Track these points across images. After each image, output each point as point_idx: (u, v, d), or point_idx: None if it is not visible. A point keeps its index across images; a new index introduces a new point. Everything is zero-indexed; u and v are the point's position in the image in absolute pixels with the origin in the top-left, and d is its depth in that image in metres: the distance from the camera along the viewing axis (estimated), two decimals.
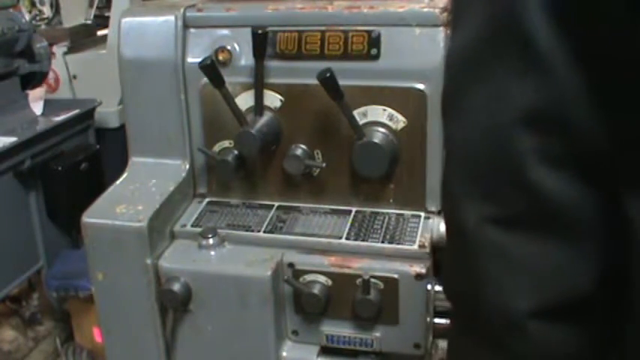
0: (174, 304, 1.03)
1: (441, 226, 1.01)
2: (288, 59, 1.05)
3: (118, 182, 1.13)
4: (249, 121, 1.04)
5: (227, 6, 1.10)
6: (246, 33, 1.01)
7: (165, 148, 1.13)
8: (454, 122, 0.56)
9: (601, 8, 0.45)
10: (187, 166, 1.13)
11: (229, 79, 1.04)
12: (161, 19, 1.10)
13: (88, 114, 2.24)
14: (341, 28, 1.02)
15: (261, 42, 1.01)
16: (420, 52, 1.00)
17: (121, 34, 1.11)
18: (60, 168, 2.01)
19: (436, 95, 0.99)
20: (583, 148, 0.48)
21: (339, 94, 0.97)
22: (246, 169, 1.10)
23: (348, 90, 0.98)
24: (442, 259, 1.01)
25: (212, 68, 1.00)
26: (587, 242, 0.50)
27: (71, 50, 2.49)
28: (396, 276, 0.98)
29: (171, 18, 1.09)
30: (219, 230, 1.06)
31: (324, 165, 1.05)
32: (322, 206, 1.09)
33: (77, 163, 2.07)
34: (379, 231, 1.02)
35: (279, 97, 1.06)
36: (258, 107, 1.05)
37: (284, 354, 1.06)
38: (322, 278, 1.01)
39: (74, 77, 2.48)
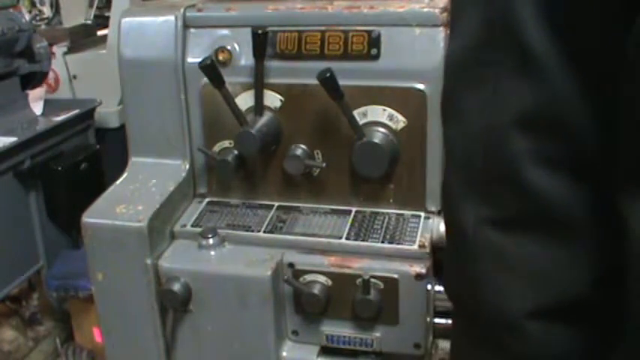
0: (174, 304, 1.03)
1: (441, 226, 1.01)
2: (288, 59, 1.05)
3: (118, 182, 1.13)
4: (249, 121, 1.04)
5: (227, 6, 1.10)
6: (246, 33, 1.01)
7: (165, 148, 1.13)
8: (452, 124, 0.57)
9: (594, 11, 0.45)
10: (187, 166, 1.13)
11: (229, 79, 1.04)
12: (161, 19, 1.10)
13: (88, 114, 2.24)
14: (341, 28, 1.02)
15: (261, 42, 1.01)
16: (420, 52, 1.00)
17: (121, 34, 1.11)
18: (60, 168, 2.01)
19: (436, 95, 0.99)
20: (578, 149, 0.49)
21: (339, 94, 0.97)
22: (246, 169, 1.10)
23: (348, 90, 0.98)
24: (442, 259, 1.01)
25: (212, 68, 1.00)
26: (584, 242, 0.50)
27: (71, 50, 2.49)
28: (396, 276, 0.98)
29: (171, 18, 1.09)
30: (219, 230, 1.06)
31: (324, 165, 1.05)
32: (322, 206, 1.09)
33: (77, 163, 2.07)
34: (379, 231, 1.02)
35: (279, 97, 1.06)
36: (258, 107, 1.05)
37: (284, 354, 1.06)
38: (322, 278, 1.01)
39: (74, 77, 2.48)
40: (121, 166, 1.16)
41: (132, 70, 1.11)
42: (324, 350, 1.07)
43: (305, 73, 1.01)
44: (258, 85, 1.04)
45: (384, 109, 1.02)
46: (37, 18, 3.03)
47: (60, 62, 2.44)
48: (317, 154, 1.07)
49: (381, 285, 0.98)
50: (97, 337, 2.09)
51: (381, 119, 1.02)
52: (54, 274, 2.07)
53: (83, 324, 2.17)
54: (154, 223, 1.03)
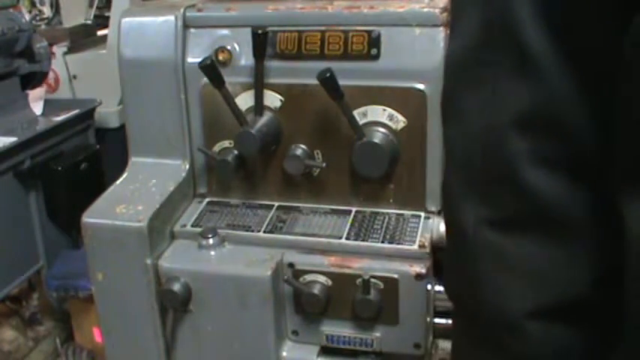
0: (174, 304, 1.03)
1: (441, 226, 1.01)
2: (288, 59, 1.05)
3: (118, 182, 1.13)
4: (249, 121, 1.04)
5: (227, 6, 1.10)
6: (246, 33, 1.01)
7: (165, 148, 1.13)
8: (452, 124, 0.57)
9: (591, 10, 0.45)
10: (187, 166, 1.13)
11: (229, 79, 1.04)
12: (161, 19, 1.10)
13: (88, 114, 2.24)
14: (341, 28, 1.02)
15: (261, 42, 1.01)
16: (420, 52, 1.00)
17: (121, 34, 1.11)
18: (60, 168, 2.01)
19: (436, 95, 0.99)
20: (576, 150, 0.49)
21: (339, 94, 0.97)
22: (246, 169, 1.10)
23: (348, 90, 0.98)
24: (442, 259, 1.01)
25: (212, 68, 1.00)
26: (583, 242, 0.50)
27: (71, 50, 2.49)
28: (396, 276, 0.98)
29: (171, 18, 1.09)
30: (219, 230, 1.06)
31: (324, 165, 1.05)
32: (322, 206, 1.09)
33: (77, 163, 2.07)
34: (379, 231, 1.02)
35: (279, 97, 1.06)
36: (258, 107, 1.05)
37: (284, 354, 1.06)
38: (322, 278, 1.01)
39: (74, 77, 2.48)
40: (121, 166, 1.16)
41: (132, 70, 1.11)
42: (324, 350, 1.07)
43: (305, 73, 1.01)
44: (258, 85, 1.04)
45: (384, 109, 1.02)
46: (37, 18, 3.03)
47: (60, 62, 2.44)
48: (317, 154, 1.07)
49: (381, 285, 0.98)
50: (97, 337, 2.09)
51: (381, 119, 1.02)
52: (54, 274, 2.07)
53: (83, 324, 2.17)
54: (154, 223, 1.03)
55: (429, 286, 0.98)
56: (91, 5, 2.73)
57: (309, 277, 1.01)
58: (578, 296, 0.51)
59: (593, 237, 0.50)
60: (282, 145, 1.08)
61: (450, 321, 1.02)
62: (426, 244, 0.99)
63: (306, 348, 1.07)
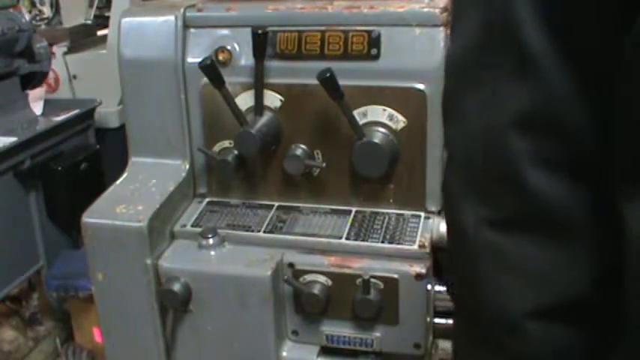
0: (174, 304, 1.03)
1: (441, 226, 1.01)
2: (288, 59, 1.05)
3: (118, 182, 1.13)
4: (249, 121, 1.04)
5: (227, 6, 1.10)
6: (246, 33, 1.01)
7: (165, 148, 1.13)
8: (452, 125, 0.57)
9: (591, 11, 0.45)
10: (187, 166, 1.13)
11: (229, 79, 1.04)
12: (161, 19, 1.10)
13: (88, 114, 2.24)
14: (341, 28, 1.02)
15: (261, 42, 1.01)
16: (420, 52, 1.00)
17: (121, 34, 1.11)
18: (60, 168, 2.01)
19: (436, 95, 0.99)
20: (576, 150, 0.49)
21: (339, 94, 0.97)
22: (246, 169, 1.10)
23: (348, 90, 0.98)
24: (442, 259, 1.01)
25: (212, 68, 1.00)
26: (583, 243, 0.50)
27: (71, 50, 2.49)
28: (396, 276, 0.98)
29: (171, 18, 1.09)
30: (219, 230, 1.06)
31: (324, 165, 1.05)
32: (322, 206, 1.09)
33: (77, 163, 2.07)
34: (379, 231, 1.02)
35: (279, 97, 1.06)
36: (258, 107, 1.05)
37: (284, 354, 1.06)
38: (322, 278, 1.01)
39: (74, 77, 2.48)
40: (121, 166, 1.16)
41: (132, 70, 1.11)
42: (324, 350, 1.07)
43: (305, 73, 1.01)
44: (258, 85, 1.04)
45: (384, 109, 1.02)
46: (37, 18, 3.03)
47: (60, 62, 2.44)
48: (317, 154, 1.07)
49: (381, 285, 0.98)
50: (97, 337, 2.09)
51: (381, 119, 1.02)
52: (54, 274, 2.07)
53: (83, 324, 2.17)
54: (154, 223, 1.03)
55: (429, 286, 0.98)
56: (91, 5, 2.73)
57: (309, 277, 1.01)
58: (577, 296, 0.51)
59: (593, 237, 0.50)
60: (282, 145, 1.08)
61: (450, 321, 1.02)
62: (426, 244, 0.99)
63: (306, 348, 1.07)
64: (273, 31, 1.04)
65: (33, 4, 3.11)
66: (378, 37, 1.01)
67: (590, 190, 0.49)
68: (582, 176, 0.49)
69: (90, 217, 1.06)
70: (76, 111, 2.17)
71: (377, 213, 1.07)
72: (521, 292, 0.52)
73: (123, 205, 1.06)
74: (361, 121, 1.01)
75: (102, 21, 2.73)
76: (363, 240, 1.01)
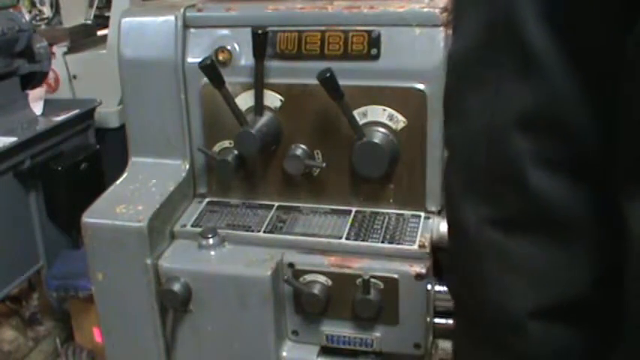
0: (174, 304, 1.03)
1: (441, 226, 1.01)
2: (288, 59, 1.05)
3: (118, 182, 1.13)
4: (249, 121, 1.04)
5: (227, 6, 1.10)
6: (246, 33, 1.01)
7: (165, 148, 1.13)
8: (454, 124, 0.57)
9: (595, 10, 0.45)
10: (187, 166, 1.13)
11: (229, 79, 1.04)
12: (161, 19, 1.10)
13: (88, 114, 2.25)
14: (341, 28, 1.02)
15: (261, 42, 1.01)
16: (420, 52, 0.99)
17: (121, 34, 1.11)
18: (60, 168, 2.01)
19: (436, 95, 0.99)
20: (578, 150, 0.49)
21: (339, 94, 0.97)
22: (246, 169, 1.10)
23: (348, 90, 0.98)
24: (443, 259, 1.01)
25: (212, 68, 1.00)
26: (584, 243, 0.50)
27: (71, 50, 2.49)
28: (396, 276, 0.98)
29: (171, 18, 1.09)
30: (219, 230, 1.06)
31: (324, 165, 1.05)
32: (322, 206, 1.09)
33: (77, 163, 2.07)
34: (379, 231, 1.02)
35: (279, 97, 1.06)
36: (258, 107, 1.05)
37: (284, 354, 1.06)
38: (322, 278, 1.01)
39: (74, 77, 2.48)
40: (121, 166, 1.16)
41: (132, 70, 1.11)
42: (324, 350, 1.07)
43: (305, 73, 1.01)
44: (258, 85, 1.04)
45: (384, 109, 1.02)
46: (37, 18, 3.03)
47: (60, 62, 2.44)
48: (317, 154, 1.07)
49: (381, 285, 0.98)
50: (97, 337, 2.09)
51: (381, 119, 1.02)
52: (54, 274, 2.07)
53: (83, 324, 2.17)
54: (154, 223, 1.03)
55: (429, 286, 0.98)
56: (91, 5, 2.73)
57: (309, 277, 1.01)
58: (578, 296, 0.51)
59: (594, 238, 0.50)
60: (282, 145, 1.08)
61: (450, 321, 1.02)
62: (426, 244, 0.99)
63: (306, 348, 1.07)
64: (273, 31, 1.04)
65: (33, 4, 3.11)
66: (378, 37, 1.01)
67: (591, 190, 0.49)
68: (584, 176, 0.49)
69: (90, 217, 1.06)
70: (76, 111, 2.18)
71: (377, 213, 1.07)
72: (523, 292, 0.52)
73: (123, 205, 1.06)
74: (361, 121, 1.01)
75: (102, 21, 2.73)
76: (363, 240, 1.01)
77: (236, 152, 1.07)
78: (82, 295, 2.02)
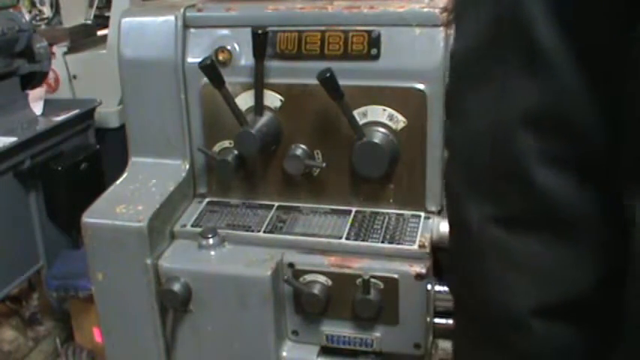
0: (174, 304, 1.03)
1: (440, 226, 1.01)
2: (288, 59, 1.05)
3: (118, 182, 1.13)
4: (249, 121, 1.04)
5: (227, 6, 1.10)
6: (246, 33, 1.01)
7: (165, 148, 1.13)
8: (457, 122, 0.56)
9: (603, 8, 0.45)
10: (187, 166, 1.13)
11: (229, 79, 1.04)
12: (161, 19, 1.10)
13: (88, 114, 2.25)
14: (341, 28, 1.02)
15: (261, 42, 1.01)
16: (420, 52, 0.99)
17: (121, 34, 1.11)
18: (60, 168, 2.01)
19: (436, 95, 0.99)
20: (585, 149, 0.48)
21: (339, 94, 0.97)
22: (246, 169, 1.10)
23: (348, 90, 0.98)
24: (443, 259, 1.01)
25: (212, 68, 1.00)
26: (589, 243, 0.50)
27: (71, 50, 2.49)
28: (396, 276, 0.98)
29: (171, 18, 1.09)
30: (219, 230, 1.06)
31: (324, 165, 1.05)
32: (322, 206, 1.09)
33: (77, 163, 2.07)
34: (379, 231, 1.02)
35: (279, 97, 1.06)
36: (258, 107, 1.05)
37: (284, 354, 1.06)
38: (322, 278, 1.01)
39: (74, 77, 2.48)
40: (121, 166, 1.16)
41: (132, 70, 1.11)
42: (324, 350, 1.07)
43: (305, 73, 1.01)
44: (258, 85, 1.04)
45: (384, 109, 1.02)
46: (37, 18, 3.03)
47: (60, 62, 2.44)
48: (317, 154, 1.07)
49: (381, 285, 0.98)
50: (97, 337, 2.09)
51: (381, 119, 1.02)
52: (54, 274, 2.07)
53: (83, 324, 2.17)
54: (154, 223, 1.03)
55: (429, 286, 0.98)
56: (91, 5, 2.73)
57: (309, 277, 1.01)
58: (581, 295, 0.51)
59: (599, 237, 0.50)
60: (282, 145, 1.08)
61: (450, 321, 1.02)
62: (426, 244, 0.99)
63: (306, 348, 1.07)
64: (273, 31, 1.04)
65: (33, 4, 3.11)
66: (378, 37, 1.01)
67: (597, 189, 0.49)
68: (590, 175, 0.49)
69: (90, 217, 1.06)
70: (76, 111, 2.18)
71: (377, 213, 1.07)
72: (526, 290, 0.51)
73: (123, 205, 1.06)
74: (361, 121, 1.01)
75: (102, 21, 2.73)
76: (363, 240, 1.01)
77: (236, 152, 1.07)
78: (82, 295, 2.02)
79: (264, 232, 1.06)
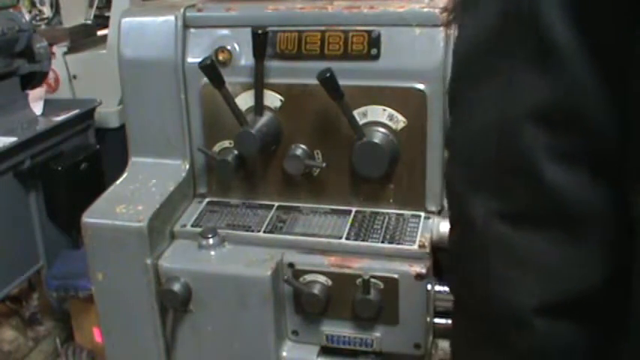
0: (174, 304, 1.03)
1: (440, 226, 1.01)
2: (288, 59, 1.05)
3: (118, 182, 1.13)
4: (249, 121, 1.04)
5: (227, 6, 1.10)
6: (246, 33, 1.01)
7: (165, 148, 1.13)
8: (462, 116, 0.55)
9: (618, 5, 0.44)
10: (187, 166, 1.13)
11: (229, 79, 1.04)
12: (161, 19, 1.10)
13: (88, 114, 2.25)
14: (341, 28, 1.02)
15: (261, 42, 1.01)
16: (420, 52, 0.99)
17: (121, 34, 1.11)
18: (60, 168, 2.01)
19: (436, 95, 0.99)
20: (597, 145, 0.48)
21: (339, 94, 0.97)
22: (246, 169, 1.10)
23: (348, 90, 0.98)
24: (443, 259, 1.01)
25: (212, 68, 1.00)
26: (596, 240, 0.49)
27: (71, 50, 2.49)
28: (396, 276, 0.98)
29: (171, 18, 1.09)
30: (219, 230, 1.06)
31: (324, 165, 1.05)
32: (322, 206, 1.09)
33: (77, 163, 2.07)
34: (379, 231, 1.02)
35: (279, 97, 1.06)
36: (258, 107, 1.05)
37: (284, 354, 1.06)
38: (322, 278, 1.01)
39: (74, 77, 2.48)
40: (121, 166, 1.16)
41: (132, 70, 1.11)
42: (324, 350, 1.07)
43: (305, 73, 1.01)
44: (258, 85, 1.04)
45: (384, 109, 1.02)
46: (37, 18, 3.03)
47: (60, 62, 2.44)
48: (317, 154, 1.07)
49: (381, 285, 0.98)
50: (97, 337, 2.09)
51: (381, 119, 1.02)
52: (54, 274, 2.07)
53: (83, 324, 2.17)
54: (154, 223, 1.03)
55: (429, 286, 0.98)
56: (91, 5, 2.73)
57: (309, 277, 1.01)
58: (584, 294, 0.50)
59: (608, 236, 0.49)
60: (282, 145, 1.08)
61: (450, 321, 1.02)
62: (426, 244, 0.99)
63: (306, 348, 1.07)
64: (273, 31, 1.04)
65: (33, 4, 3.11)
66: (378, 37, 1.01)
67: (608, 186, 0.48)
68: (602, 172, 0.48)
69: (90, 217, 1.06)
70: (76, 111, 2.18)
71: (377, 213, 1.07)
72: (529, 287, 0.51)
73: (123, 205, 1.06)
74: (361, 121, 1.01)
75: (102, 21, 2.73)
76: (363, 240, 1.01)
77: (236, 152, 1.07)
78: (82, 295, 2.02)
79: (264, 232, 1.06)
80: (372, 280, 0.98)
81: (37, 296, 2.26)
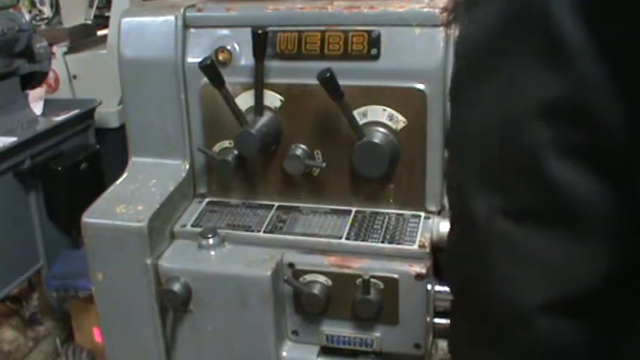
0: (174, 304, 1.03)
1: (440, 226, 1.01)
2: (288, 59, 1.05)
3: (118, 182, 1.13)
4: (249, 121, 1.04)
5: (227, 6, 1.10)
6: (246, 33, 1.01)
7: (165, 148, 1.13)
8: (462, 114, 0.55)
9: (625, 2, 0.44)
10: (187, 166, 1.13)
11: (229, 79, 1.04)
12: (161, 19, 1.10)
13: (88, 114, 2.25)
14: (341, 28, 1.02)
15: (261, 42, 1.01)
16: (420, 52, 0.99)
17: (121, 34, 1.11)
18: (60, 168, 2.01)
19: (436, 95, 0.99)
20: (605, 142, 0.47)
21: (339, 94, 0.97)
22: (246, 169, 1.10)
23: (348, 90, 0.98)
24: (443, 259, 1.01)
25: (212, 68, 1.00)
26: (600, 238, 0.49)
27: (71, 50, 2.49)
28: (396, 276, 0.98)
29: (171, 18, 1.09)
30: (219, 230, 1.06)
31: (324, 165, 1.05)
32: (322, 206, 1.09)
33: (77, 163, 2.07)
34: (379, 231, 1.02)
35: (279, 97, 1.06)
36: (258, 107, 1.05)
37: (284, 354, 1.06)
38: (322, 278, 1.01)
39: (74, 77, 2.48)
40: (121, 166, 1.16)
41: (132, 70, 1.11)
42: (324, 350, 1.07)
43: (305, 73, 1.01)
44: (258, 85, 1.04)
45: (384, 109, 1.02)
46: (37, 18, 3.03)
47: (60, 62, 2.44)
48: (317, 154, 1.07)
49: (381, 285, 0.98)
50: (97, 337, 2.09)
51: (381, 119, 1.02)
52: (54, 274, 2.07)
53: (83, 324, 2.17)
54: (154, 223, 1.03)
55: (429, 286, 0.98)
56: (91, 5, 2.73)
57: (309, 277, 1.01)
58: (587, 292, 0.50)
59: (615, 234, 0.49)
60: (282, 145, 1.08)
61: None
62: (426, 244, 0.99)
63: (306, 348, 1.07)
64: (273, 31, 1.04)
65: (33, 4, 3.11)
66: (378, 37, 1.01)
67: (614, 185, 0.48)
68: (607, 170, 0.47)
69: (90, 217, 1.06)
70: (76, 111, 2.18)
71: (377, 213, 1.07)
72: (532, 285, 0.50)
73: (123, 205, 1.06)
74: (361, 121, 1.01)
75: (102, 21, 2.73)
76: (363, 240, 1.01)
77: (236, 152, 1.07)
78: (82, 295, 2.02)
79: (264, 232, 1.06)
80: (372, 280, 0.98)
81: (37, 296, 2.26)
